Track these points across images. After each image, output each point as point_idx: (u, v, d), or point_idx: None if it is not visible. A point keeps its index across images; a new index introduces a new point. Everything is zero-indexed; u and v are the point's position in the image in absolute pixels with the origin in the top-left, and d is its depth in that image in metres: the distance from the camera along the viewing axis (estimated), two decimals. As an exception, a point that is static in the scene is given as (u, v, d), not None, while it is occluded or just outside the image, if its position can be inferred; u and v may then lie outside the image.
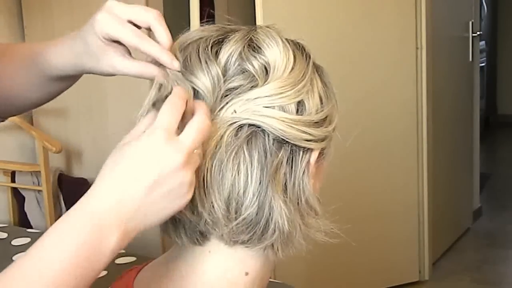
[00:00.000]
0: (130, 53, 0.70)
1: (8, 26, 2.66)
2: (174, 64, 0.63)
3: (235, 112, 0.61)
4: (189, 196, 0.57)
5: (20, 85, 0.83)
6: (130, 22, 0.67)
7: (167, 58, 0.63)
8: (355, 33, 2.61)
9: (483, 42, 5.09)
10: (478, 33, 3.49)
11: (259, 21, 2.32)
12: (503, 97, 6.52)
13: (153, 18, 0.66)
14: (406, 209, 2.85)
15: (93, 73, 0.74)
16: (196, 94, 0.62)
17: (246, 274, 0.66)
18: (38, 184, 2.50)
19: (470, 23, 3.38)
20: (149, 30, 0.67)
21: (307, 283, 2.63)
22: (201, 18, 2.21)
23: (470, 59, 3.43)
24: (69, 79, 0.81)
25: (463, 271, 3.11)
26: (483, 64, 5.05)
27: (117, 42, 0.69)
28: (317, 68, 0.68)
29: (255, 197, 0.61)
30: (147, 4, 2.31)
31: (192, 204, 0.60)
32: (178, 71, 0.63)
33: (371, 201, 2.74)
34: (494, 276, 3.10)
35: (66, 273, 0.51)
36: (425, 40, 2.73)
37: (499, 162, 5.29)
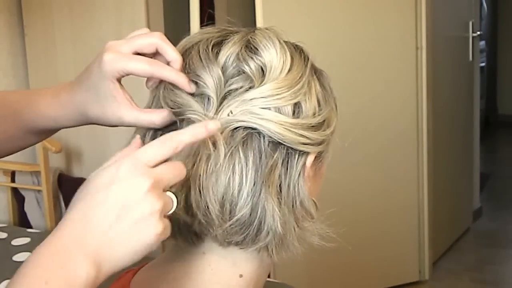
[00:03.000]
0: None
1: (8, 25, 2.66)
2: (192, 87, 0.63)
3: (231, 113, 0.60)
4: (160, 229, 0.53)
5: None
6: (136, 53, 0.65)
7: (184, 82, 0.62)
8: (355, 33, 2.61)
9: (483, 42, 5.09)
10: (478, 33, 3.49)
11: (259, 22, 2.32)
12: (503, 97, 6.52)
13: (159, 39, 0.65)
14: (406, 209, 2.85)
15: (96, 123, 0.71)
16: (201, 94, 0.62)
17: (241, 276, 0.65)
18: (38, 184, 2.50)
19: (470, 23, 3.37)
20: (155, 54, 0.66)
21: (307, 283, 2.63)
22: (201, 19, 2.21)
23: (470, 59, 3.43)
24: (51, 132, 0.78)
25: (463, 271, 3.11)
26: (483, 64, 5.04)
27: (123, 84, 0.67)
28: (315, 71, 0.67)
29: (249, 198, 0.60)
30: (147, 5, 2.31)
31: (186, 205, 0.60)
32: (192, 94, 0.62)
33: (371, 201, 2.74)
34: (494, 276, 3.10)
35: None
36: (425, 40, 2.74)
37: (499, 162, 5.29)
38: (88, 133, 2.61)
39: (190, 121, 0.62)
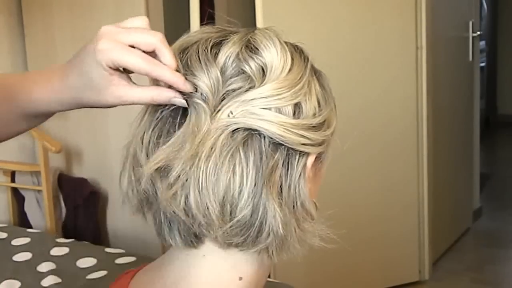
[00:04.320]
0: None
1: (8, 25, 2.66)
2: (188, 86, 0.61)
3: (231, 113, 0.60)
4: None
5: None
6: (133, 46, 0.63)
7: (180, 82, 0.61)
8: (355, 33, 2.61)
9: (483, 42, 5.09)
10: (478, 33, 3.49)
11: (259, 22, 2.32)
12: (503, 97, 6.52)
13: (159, 41, 0.62)
14: (406, 209, 2.85)
15: (91, 107, 0.69)
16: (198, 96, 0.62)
17: (240, 279, 0.65)
18: (38, 184, 2.50)
19: (470, 23, 3.38)
20: (152, 53, 0.64)
21: (307, 283, 2.63)
22: (201, 18, 2.21)
23: (470, 59, 3.43)
24: (45, 117, 0.76)
25: (463, 271, 3.11)
26: (483, 64, 5.05)
27: (120, 69, 0.65)
28: (315, 71, 0.67)
29: (250, 199, 0.60)
30: (147, 5, 2.31)
31: (186, 206, 0.60)
32: (191, 93, 0.61)
33: (371, 201, 2.74)
34: (494, 276, 3.10)
35: None
36: (425, 40, 2.74)
37: (499, 162, 5.28)
38: (88, 133, 2.61)
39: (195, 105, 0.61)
